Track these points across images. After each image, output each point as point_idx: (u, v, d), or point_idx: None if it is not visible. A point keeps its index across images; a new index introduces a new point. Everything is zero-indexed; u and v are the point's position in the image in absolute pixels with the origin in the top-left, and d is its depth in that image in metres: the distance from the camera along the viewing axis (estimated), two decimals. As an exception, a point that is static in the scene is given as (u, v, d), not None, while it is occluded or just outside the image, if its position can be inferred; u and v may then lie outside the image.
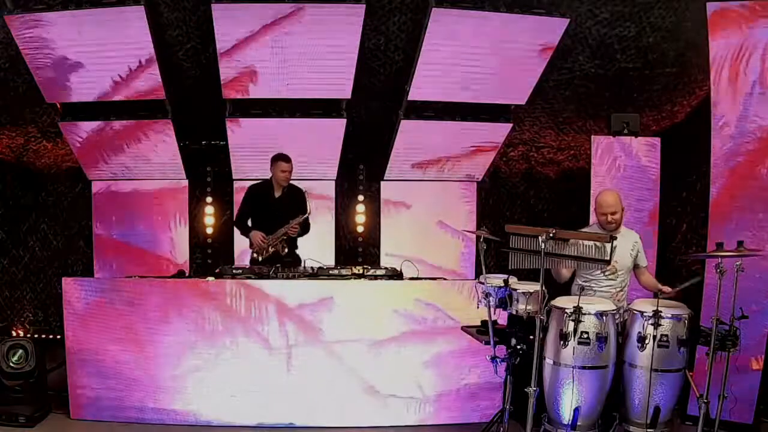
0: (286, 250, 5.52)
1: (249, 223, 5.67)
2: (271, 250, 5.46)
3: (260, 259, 5.47)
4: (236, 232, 5.93)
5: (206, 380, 4.87)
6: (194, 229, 6.88)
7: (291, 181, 5.63)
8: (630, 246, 4.41)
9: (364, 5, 5.31)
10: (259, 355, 4.87)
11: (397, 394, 4.95)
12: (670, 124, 6.60)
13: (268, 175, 5.65)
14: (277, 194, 5.61)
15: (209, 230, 7.01)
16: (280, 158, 5.54)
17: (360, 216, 7.13)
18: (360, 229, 7.14)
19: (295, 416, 4.90)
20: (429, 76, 5.84)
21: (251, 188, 5.79)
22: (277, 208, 5.57)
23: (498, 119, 6.38)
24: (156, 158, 6.43)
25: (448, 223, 6.89)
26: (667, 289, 4.15)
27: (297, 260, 5.61)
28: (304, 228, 5.65)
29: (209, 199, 6.97)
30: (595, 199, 4.57)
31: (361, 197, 7.11)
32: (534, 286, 3.96)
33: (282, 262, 5.36)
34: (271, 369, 4.88)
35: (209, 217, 7.00)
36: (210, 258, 6.98)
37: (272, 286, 4.90)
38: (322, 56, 5.64)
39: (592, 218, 5.35)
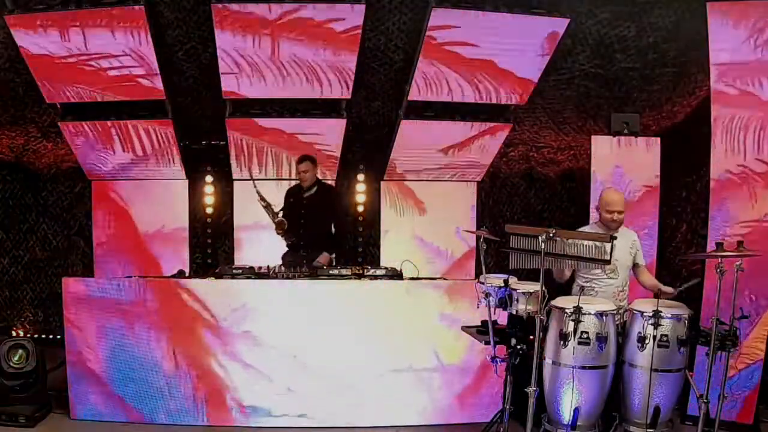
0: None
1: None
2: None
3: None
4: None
5: (206, 380, 4.87)
6: (194, 229, 6.88)
7: (326, 180, 5.73)
8: (629, 244, 4.43)
9: (364, 5, 5.31)
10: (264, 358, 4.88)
11: (398, 393, 4.95)
12: (670, 124, 6.59)
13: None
14: (307, 194, 5.63)
15: (209, 230, 7.01)
16: (297, 160, 5.71)
17: (360, 216, 7.12)
18: (360, 228, 7.14)
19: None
20: (429, 76, 5.84)
21: (287, 191, 5.89)
22: (306, 207, 5.61)
23: (498, 119, 6.39)
24: (156, 158, 6.43)
25: (448, 223, 6.90)
26: (668, 289, 4.15)
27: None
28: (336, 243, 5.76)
29: (209, 200, 6.97)
30: (599, 197, 4.52)
31: (361, 197, 7.11)
32: (534, 286, 3.96)
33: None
34: (280, 370, 4.89)
35: (209, 217, 7.00)
36: (210, 258, 6.98)
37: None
38: (323, 56, 5.64)
39: (592, 217, 5.36)
